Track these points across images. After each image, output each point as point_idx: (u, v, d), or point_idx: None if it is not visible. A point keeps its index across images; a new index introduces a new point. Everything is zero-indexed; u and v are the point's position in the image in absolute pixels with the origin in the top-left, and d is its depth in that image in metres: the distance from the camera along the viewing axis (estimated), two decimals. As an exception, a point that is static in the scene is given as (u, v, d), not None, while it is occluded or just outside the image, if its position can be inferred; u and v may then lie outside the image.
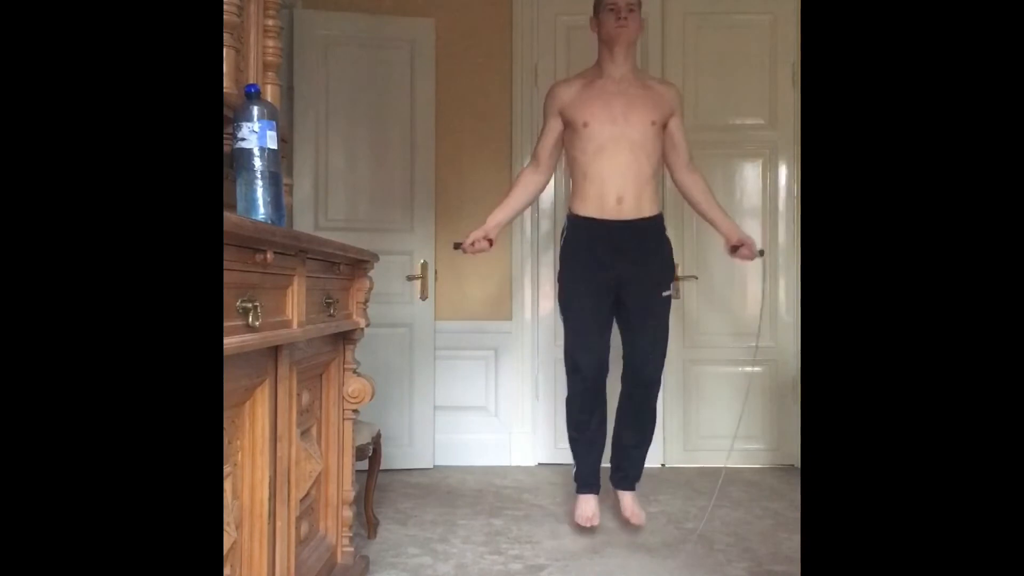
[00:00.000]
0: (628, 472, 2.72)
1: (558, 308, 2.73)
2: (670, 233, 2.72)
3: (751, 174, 3.88)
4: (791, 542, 2.62)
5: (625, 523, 2.69)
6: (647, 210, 2.59)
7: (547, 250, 3.87)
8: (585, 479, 2.68)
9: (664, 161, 2.70)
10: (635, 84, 2.60)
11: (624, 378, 2.66)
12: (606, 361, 2.60)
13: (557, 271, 2.71)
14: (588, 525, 2.63)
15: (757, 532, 2.76)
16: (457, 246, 2.57)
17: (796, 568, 2.30)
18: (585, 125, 2.54)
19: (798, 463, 3.65)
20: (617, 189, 2.54)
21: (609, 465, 2.75)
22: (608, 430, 2.74)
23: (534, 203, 2.92)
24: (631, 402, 2.66)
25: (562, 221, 3.72)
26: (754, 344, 3.87)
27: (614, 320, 2.65)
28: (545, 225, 3.88)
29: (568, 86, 2.64)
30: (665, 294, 2.62)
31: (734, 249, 2.66)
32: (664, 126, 2.63)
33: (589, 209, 2.58)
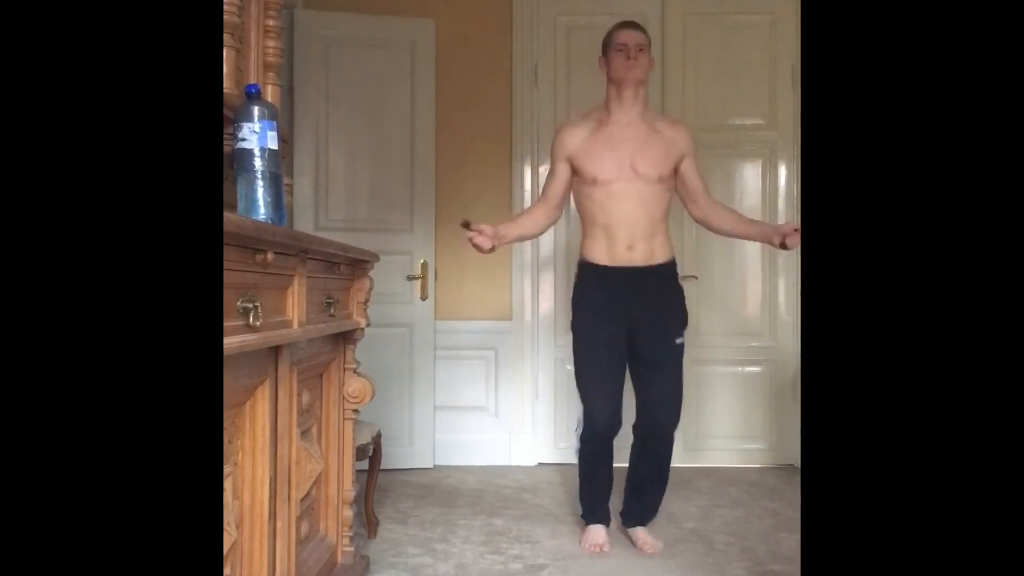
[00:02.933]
0: (640, 514, 2.67)
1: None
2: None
3: (751, 174, 3.88)
4: (791, 542, 2.62)
5: (640, 552, 2.58)
6: (659, 256, 2.55)
7: (548, 251, 3.87)
8: (595, 513, 2.64)
9: (680, 200, 2.65)
10: (644, 129, 2.54)
11: (636, 429, 2.61)
12: (619, 411, 2.55)
13: (571, 319, 2.64)
14: (599, 552, 2.55)
15: (757, 532, 2.76)
16: (466, 225, 2.45)
17: (796, 568, 2.30)
18: (594, 181, 2.50)
19: (798, 463, 3.65)
20: (627, 237, 2.50)
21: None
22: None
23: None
24: (646, 454, 2.60)
25: (563, 222, 3.76)
26: (755, 344, 3.88)
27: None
28: (553, 225, 3.87)
29: (576, 132, 2.58)
30: (678, 341, 2.56)
31: (783, 244, 2.46)
32: (676, 170, 2.58)
33: (600, 256, 2.54)
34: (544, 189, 2.70)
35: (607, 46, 2.55)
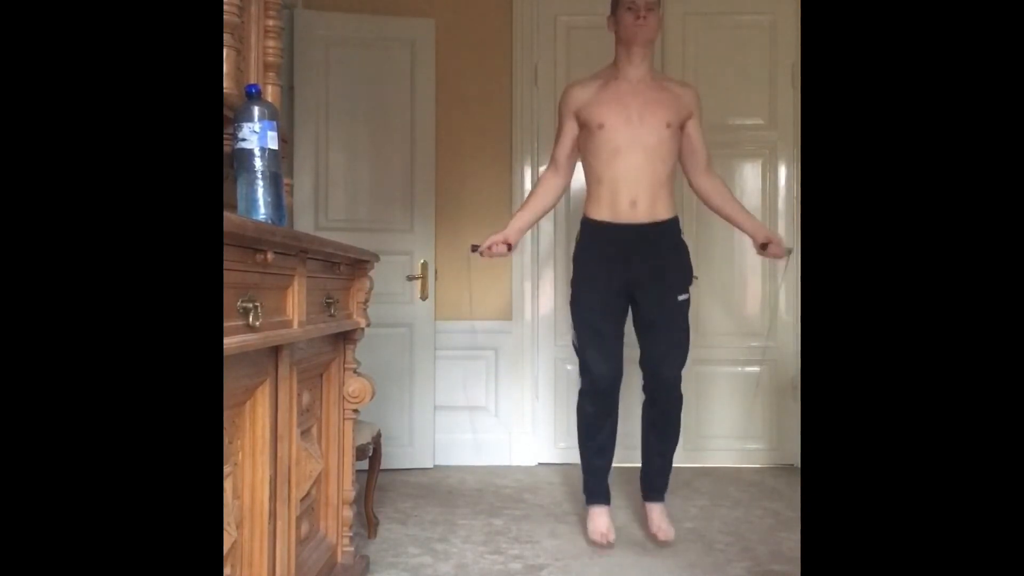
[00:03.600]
0: (653, 481, 2.67)
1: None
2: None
3: (751, 174, 3.88)
4: (791, 542, 2.62)
5: (652, 538, 2.59)
6: (662, 213, 2.54)
7: (548, 251, 3.88)
8: (594, 490, 2.64)
9: (681, 165, 2.66)
10: (652, 85, 2.55)
11: (645, 384, 2.61)
12: (619, 366, 2.55)
13: (571, 276, 2.65)
14: (603, 542, 2.54)
15: (757, 532, 2.76)
16: (475, 248, 2.48)
17: (796, 568, 2.30)
18: (600, 127, 2.50)
19: (798, 463, 3.65)
20: (631, 192, 2.50)
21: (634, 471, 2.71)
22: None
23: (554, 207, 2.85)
24: (653, 407, 2.61)
25: (563, 223, 3.77)
26: (755, 344, 3.88)
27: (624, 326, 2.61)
28: (547, 226, 3.88)
29: (583, 87, 2.58)
30: (682, 298, 2.56)
31: (763, 247, 2.58)
32: (681, 128, 2.58)
33: (603, 213, 2.54)
34: (553, 153, 2.68)
35: (616, 5, 2.54)
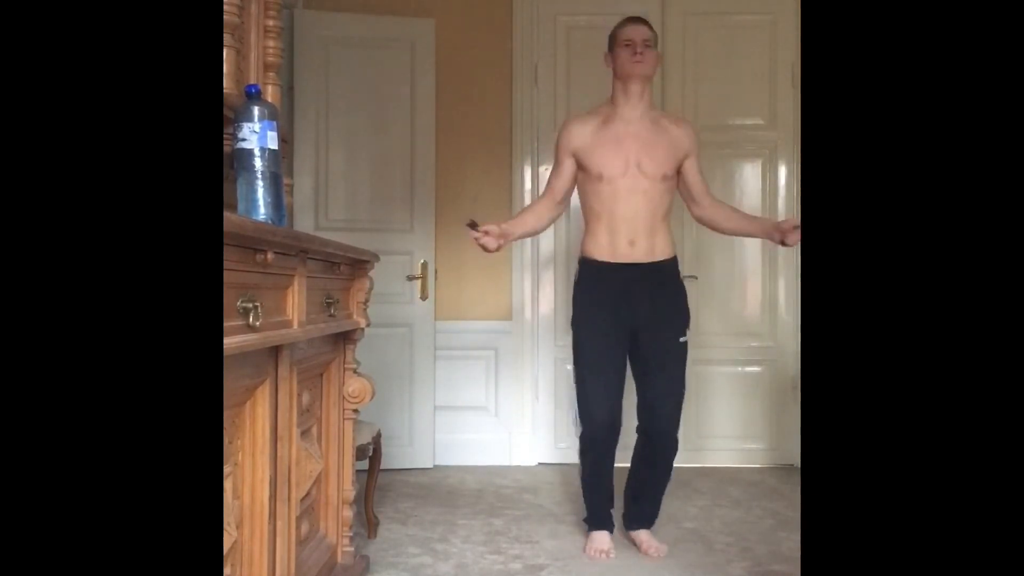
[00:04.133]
0: (642, 515, 2.65)
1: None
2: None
3: (751, 174, 3.89)
4: (791, 542, 2.62)
5: (644, 555, 2.56)
6: (660, 253, 2.53)
7: (548, 251, 3.88)
8: (598, 519, 2.61)
9: (681, 197, 2.65)
10: (649, 126, 2.54)
11: (639, 429, 2.59)
12: (619, 408, 2.53)
13: (571, 316, 2.63)
14: (603, 559, 2.52)
15: (757, 532, 2.76)
16: (473, 225, 2.44)
17: (796, 568, 2.30)
18: (599, 177, 2.50)
19: (798, 463, 3.65)
20: (629, 232, 2.49)
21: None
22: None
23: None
24: (649, 454, 2.59)
25: (563, 223, 3.76)
26: (755, 344, 3.88)
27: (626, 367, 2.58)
28: (556, 220, 3.87)
29: (582, 127, 2.56)
30: (681, 340, 2.54)
31: (783, 241, 2.46)
32: (678, 170, 2.58)
33: (602, 252, 2.53)
34: (548, 183, 2.68)
35: (613, 41, 2.54)
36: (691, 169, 2.60)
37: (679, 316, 2.58)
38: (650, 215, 2.51)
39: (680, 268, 2.66)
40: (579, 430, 2.63)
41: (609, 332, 2.51)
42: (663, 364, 2.52)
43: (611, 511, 2.65)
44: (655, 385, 2.52)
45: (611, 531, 2.61)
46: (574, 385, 2.61)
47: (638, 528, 2.64)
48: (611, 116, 2.56)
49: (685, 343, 2.57)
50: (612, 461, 2.62)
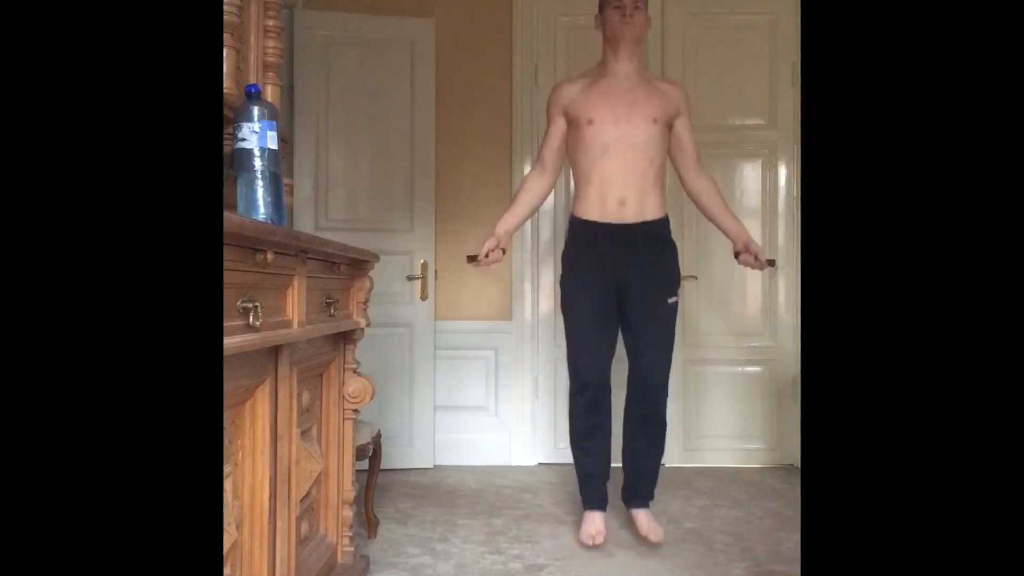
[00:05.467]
0: (639, 488, 2.64)
1: (560, 312, 2.67)
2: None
3: (751, 174, 3.89)
4: (791, 542, 2.62)
5: (643, 540, 2.59)
6: (651, 213, 2.53)
7: (547, 251, 3.88)
8: (590, 495, 2.62)
9: (672, 164, 2.65)
10: (640, 83, 2.55)
11: (629, 385, 2.58)
12: (608, 368, 2.54)
13: (559, 275, 2.67)
14: (591, 543, 2.53)
15: (757, 532, 2.76)
16: (472, 259, 2.47)
17: (796, 568, 2.30)
18: (589, 122, 2.49)
19: (798, 463, 3.65)
20: (619, 191, 2.49)
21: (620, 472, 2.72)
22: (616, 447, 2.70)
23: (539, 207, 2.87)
24: (638, 410, 2.58)
25: (563, 223, 3.76)
26: (755, 344, 3.87)
27: (618, 328, 2.59)
28: (546, 227, 3.88)
29: (571, 85, 2.59)
30: (671, 300, 2.54)
31: (738, 254, 2.58)
32: (670, 127, 2.57)
33: (591, 212, 2.53)
34: (539, 152, 2.69)
35: (603, 4, 2.55)
36: (682, 130, 2.60)
37: (669, 277, 2.58)
38: (639, 174, 2.50)
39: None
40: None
41: (598, 291, 2.51)
42: (653, 324, 2.52)
43: (606, 489, 2.63)
44: (645, 346, 2.53)
45: (604, 510, 2.61)
46: (566, 344, 2.61)
47: (637, 506, 2.63)
48: (601, 75, 2.57)
49: (675, 303, 2.57)
50: (605, 434, 2.61)
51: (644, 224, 2.53)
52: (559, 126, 2.59)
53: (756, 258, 2.55)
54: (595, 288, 2.52)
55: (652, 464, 2.67)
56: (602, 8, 2.56)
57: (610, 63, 2.56)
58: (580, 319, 2.54)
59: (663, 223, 2.59)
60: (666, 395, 2.59)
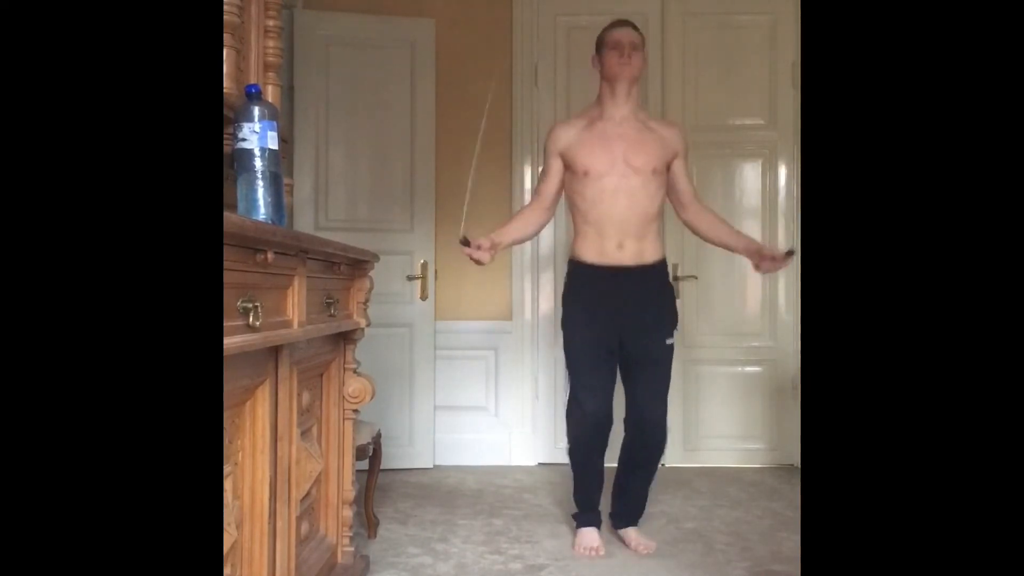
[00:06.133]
0: (629, 514, 2.68)
1: (564, 354, 2.67)
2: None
3: (751, 174, 3.88)
4: (791, 542, 2.62)
5: (634, 553, 2.58)
6: (649, 256, 2.54)
7: (548, 251, 3.88)
8: (587, 516, 2.64)
9: (669, 201, 2.66)
10: (637, 126, 2.55)
11: (627, 426, 2.61)
12: (611, 401, 2.55)
13: (560, 317, 2.65)
14: (591, 555, 2.53)
15: (757, 532, 2.76)
16: (466, 242, 2.46)
17: (796, 568, 2.30)
18: (585, 173, 2.50)
19: (798, 463, 3.65)
20: (618, 235, 2.50)
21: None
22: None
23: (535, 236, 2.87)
24: (635, 450, 2.61)
25: (562, 223, 3.76)
26: (755, 344, 3.87)
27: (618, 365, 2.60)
28: (546, 227, 3.87)
29: (568, 128, 2.58)
30: (668, 342, 2.56)
31: (757, 266, 2.51)
32: (668, 168, 2.58)
33: (590, 255, 2.54)
34: (537, 188, 2.70)
35: (601, 44, 2.56)
36: (679, 171, 2.61)
37: (667, 319, 2.59)
38: (638, 218, 2.51)
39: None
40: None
41: (598, 333, 2.52)
42: (650, 365, 2.55)
43: (599, 508, 2.66)
44: (642, 386, 2.55)
45: (599, 527, 2.63)
46: (568, 381, 2.62)
47: (626, 526, 2.66)
48: (598, 117, 2.57)
49: (672, 345, 2.58)
50: (602, 458, 2.64)
51: (642, 267, 2.54)
52: (555, 168, 2.60)
53: (774, 260, 2.48)
54: (596, 328, 2.53)
55: (644, 493, 2.70)
56: (599, 48, 2.56)
57: (607, 105, 2.56)
58: (583, 356, 2.55)
59: (661, 265, 2.60)
60: (665, 432, 2.60)
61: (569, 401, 2.60)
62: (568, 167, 2.57)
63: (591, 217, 2.53)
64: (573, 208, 2.62)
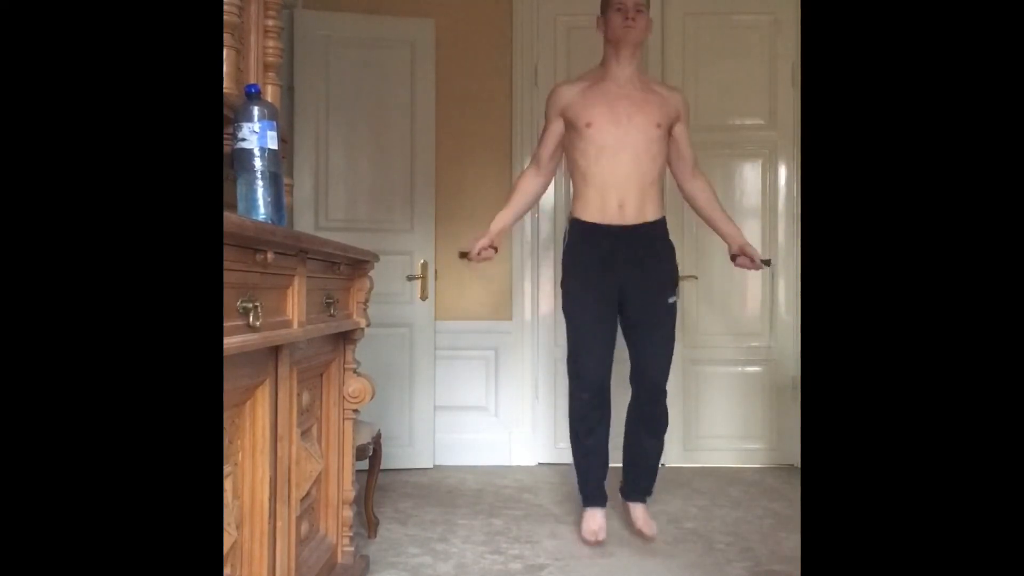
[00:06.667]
0: (638, 483, 2.68)
1: (561, 313, 2.69)
2: (670, 233, 2.70)
3: (751, 174, 3.88)
4: (791, 542, 2.62)
5: (638, 534, 2.62)
6: (650, 214, 2.55)
7: (547, 251, 3.88)
8: (590, 492, 2.64)
9: (669, 168, 2.67)
10: (640, 87, 2.56)
11: (633, 385, 2.63)
12: (609, 368, 2.57)
13: (560, 276, 2.68)
14: (594, 540, 2.56)
15: (757, 532, 2.76)
16: (463, 255, 2.51)
17: (796, 568, 2.30)
18: (588, 126, 2.50)
19: (798, 463, 3.65)
20: (619, 193, 2.51)
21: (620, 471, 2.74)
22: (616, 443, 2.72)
23: (535, 206, 2.90)
24: (642, 409, 2.62)
25: (562, 223, 3.76)
26: (755, 344, 3.88)
27: (618, 328, 2.62)
28: (545, 226, 3.88)
29: (571, 87, 2.59)
30: (671, 300, 2.57)
31: (734, 257, 2.64)
32: (669, 131, 2.59)
33: (591, 214, 2.54)
34: (535, 152, 2.71)
35: (605, 6, 2.55)
36: (681, 135, 2.62)
37: (668, 277, 2.60)
38: (639, 177, 2.52)
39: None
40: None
41: (598, 292, 2.53)
42: (653, 325, 2.55)
43: (604, 486, 2.66)
44: (646, 345, 2.56)
45: (603, 506, 2.64)
46: (567, 344, 2.63)
47: (635, 500, 2.66)
48: (601, 77, 2.57)
49: (675, 303, 2.60)
50: (604, 431, 2.63)
51: (643, 225, 2.55)
52: (556, 128, 2.60)
53: (752, 260, 2.60)
54: (596, 288, 2.54)
55: (654, 461, 2.71)
56: (604, 10, 2.56)
57: (611, 65, 2.56)
58: (583, 318, 2.56)
59: (661, 224, 2.61)
60: (664, 395, 2.63)
61: (568, 365, 2.60)
62: (570, 124, 2.56)
63: (593, 176, 2.53)
64: (573, 168, 2.61)
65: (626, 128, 2.50)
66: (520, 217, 2.78)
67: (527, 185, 2.67)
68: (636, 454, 2.68)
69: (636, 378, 2.60)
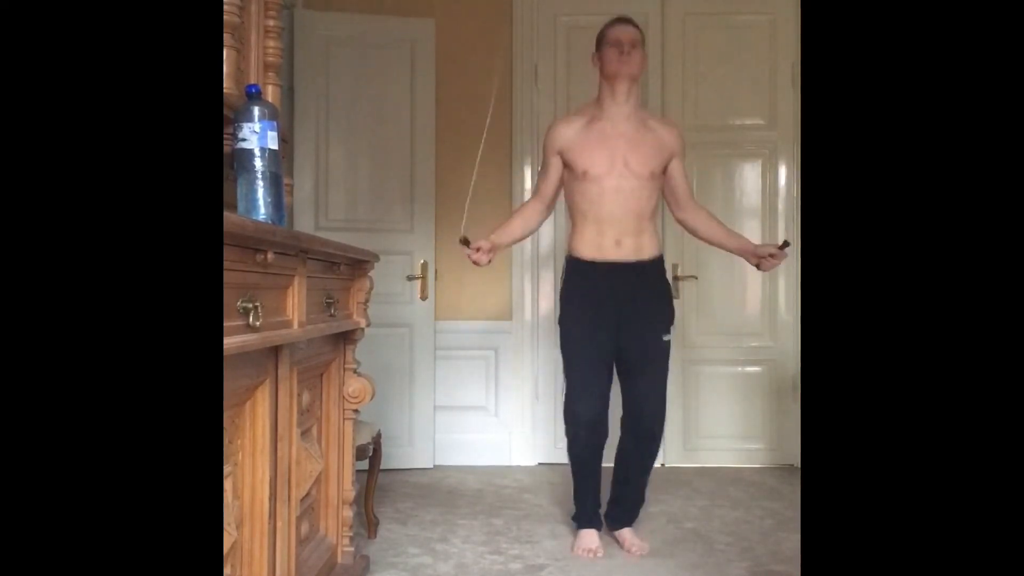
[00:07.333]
0: (625, 515, 2.68)
1: (560, 352, 2.69)
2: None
3: (751, 174, 3.88)
4: (791, 542, 2.62)
5: (627, 554, 2.57)
6: (647, 252, 2.55)
7: (548, 251, 3.88)
8: (586, 517, 2.64)
9: (664, 200, 2.68)
10: (636, 126, 2.55)
11: (623, 426, 2.62)
12: (607, 403, 2.55)
13: (558, 314, 2.66)
14: (591, 557, 2.53)
15: (757, 532, 2.76)
16: (465, 242, 2.47)
17: (796, 568, 2.30)
18: (584, 174, 2.51)
19: (798, 463, 3.65)
20: (616, 231, 2.51)
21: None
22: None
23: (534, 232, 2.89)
24: (630, 451, 2.62)
25: (562, 223, 3.76)
26: (755, 344, 3.87)
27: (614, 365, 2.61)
28: (546, 227, 3.87)
29: (568, 126, 2.58)
30: (665, 338, 2.57)
31: (758, 265, 2.58)
32: (665, 169, 2.59)
33: (588, 251, 2.55)
34: (536, 186, 2.72)
35: (601, 42, 2.56)
36: (676, 171, 2.62)
37: (663, 315, 2.60)
38: (636, 215, 2.53)
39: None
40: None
41: (595, 330, 2.53)
42: (647, 363, 2.55)
43: (599, 510, 2.67)
44: (639, 384, 2.56)
45: (599, 529, 2.63)
46: (564, 380, 2.63)
47: (620, 527, 2.66)
48: (597, 116, 2.57)
49: (669, 342, 2.59)
50: (599, 460, 2.64)
51: (640, 263, 2.55)
52: (555, 166, 2.61)
53: (773, 257, 2.53)
54: (592, 325, 2.53)
55: (641, 494, 2.71)
56: (599, 46, 2.56)
57: (607, 103, 2.55)
58: (581, 356, 2.55)
59: (658, 262, 2.61)
60: (661, 431, 2.61)
61: (565, 403, 2.61)
62: (567, 166, 2.57)
63: (590, 215, 2.55)
64: (571, 205, 2.63)
65: (621, 174, 2.51)
66: (517, 240, 2.80)
67: (528, 212, 2.68)
68: (624, 489, 2.67)
69: (629, 417, 2.59)
